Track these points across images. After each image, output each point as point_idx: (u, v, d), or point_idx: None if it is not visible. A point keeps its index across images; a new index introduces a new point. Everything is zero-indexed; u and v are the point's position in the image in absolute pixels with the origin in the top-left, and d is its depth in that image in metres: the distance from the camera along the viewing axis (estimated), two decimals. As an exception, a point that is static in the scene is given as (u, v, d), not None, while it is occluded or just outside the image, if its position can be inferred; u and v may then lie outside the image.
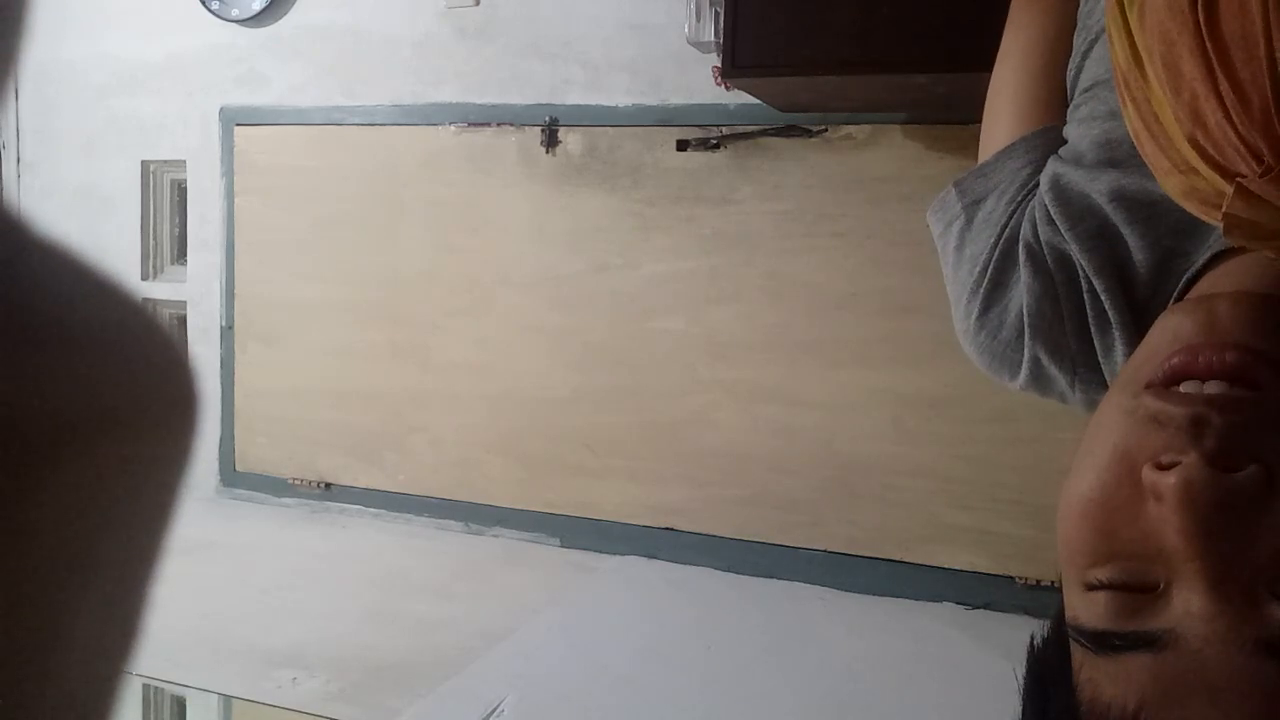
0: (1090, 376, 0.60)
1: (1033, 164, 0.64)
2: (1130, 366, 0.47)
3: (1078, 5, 0.65)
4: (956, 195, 0.67)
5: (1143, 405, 0.43)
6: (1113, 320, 0.57)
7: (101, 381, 0.15)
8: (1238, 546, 0.39)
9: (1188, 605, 0.40)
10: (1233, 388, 0.41)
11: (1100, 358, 0.59)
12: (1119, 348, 0.57)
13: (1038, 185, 0.63)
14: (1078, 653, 0.44)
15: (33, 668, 0.15)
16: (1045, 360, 0.61)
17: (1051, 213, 0.60)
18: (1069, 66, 0.64)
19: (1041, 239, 0.60)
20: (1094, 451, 0.44)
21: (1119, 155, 0.57)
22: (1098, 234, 0.58)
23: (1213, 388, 0.41)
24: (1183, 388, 0.42)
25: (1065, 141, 0.63)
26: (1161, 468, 0.40)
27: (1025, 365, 0.62)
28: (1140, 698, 0.40)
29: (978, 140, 0.71)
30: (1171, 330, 0.45)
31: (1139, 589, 0.41)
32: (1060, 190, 0.60)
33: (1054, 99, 0.66)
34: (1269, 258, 0.48)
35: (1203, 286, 0.52)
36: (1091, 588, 0.43)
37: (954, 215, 0.67)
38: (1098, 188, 0.58)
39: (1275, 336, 0.43)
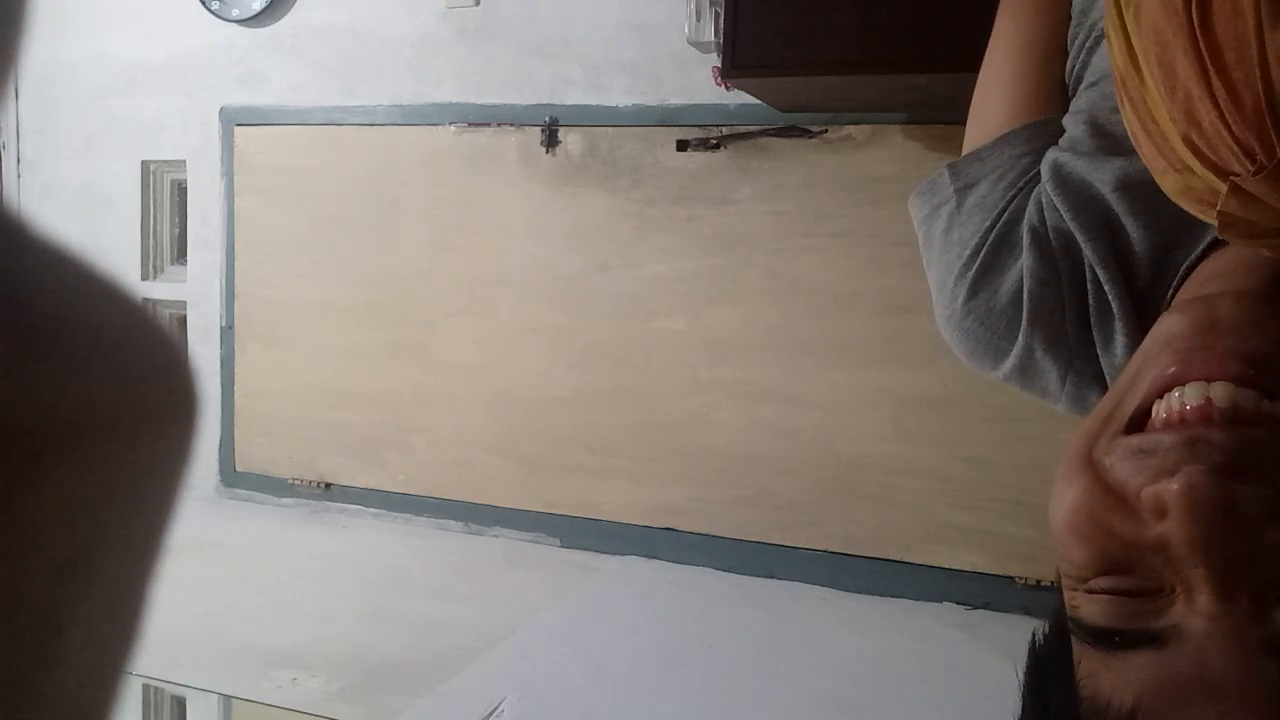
0: (1084, 369, 0.60)
1: (1035, 152, 0.63)
2: (1118, 387, 0.46)
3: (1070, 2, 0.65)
4: (950, 178, 0.66)
5: (1130, 442, 0.42)
6: (1115, 311, 0.57)
7: (101, 381, 0.15)
8: (1245, 553, 0.38)
9: (1193, 604, 0.39)
10: (1238, 390, 0.41)
11: (1099, 349, 0.59)
12: (1119, 339, 0.57)
13: (1039, 174, 0.62)
14: (1078, 647, 0.43)
15: (32, 669, 0.15)
16: (1040, 350, 0.60)
17: (1055, 201, 0.59)
18: (1070, 61, 0.64)
19: (1048, 224, 0.60)
20: (1070, 472, 0.44)
21: (1123, 148, 0.57)
22: (1100, 223, 0.57)
23: (1218, 390, 0.41)
24: (1188, 389, 0.42)
25: (1064, 133, 0.62)
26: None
27: (1015, 354, 0.61)
28: (1141, 695, 0.40)
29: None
30: (1165, 333, 0.45)
31: (1142, 593, 0.41)
32: (1062, 179, 0.59)
33: (1052, 92, 0.66)
34: (1264, 255, 0.48)
35: (1197, 278, 0.52)
36: (1094, 593, 0.42)
37: (944, 199, 0.66)
38: (1101, 176, 0.57)
39: (1276, 336, 0.42)
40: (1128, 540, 0.41)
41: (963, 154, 0.68)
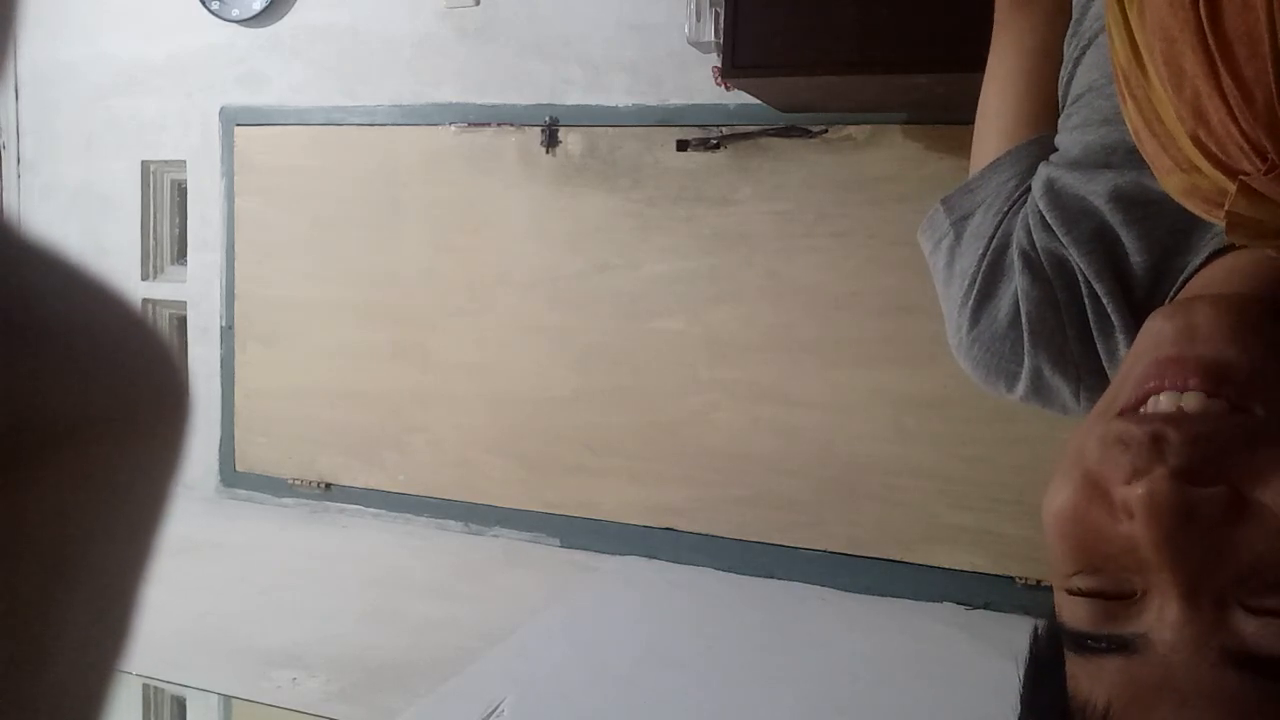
0: (1095, 383, 0.60)
1: (1018, 176, 0.64)
2: (1113, 386, 0.47)
3: (1061, 20, 0.65)
4: (944, 212, 0.67)
5: (1111, 429, 0.43)
6: (1115, 324, 0.57)
7: (95, 381, 0.15)
8: (1209, 556, 0.39)
9: (1161, 612, 0.40)
10: (1208, 399, 0.41)
11: (1105, 362, 0.59)
12: (1123, 351, 0.57)
13: (1025, 196, 0.63)
14: (1065, 650, 0.44)
15: (25, 669, 0.15)
16: (1048, 371, 0.61)
17: (1047, 217, 0.59)
18: (1060, 75, 0.64)
19: (1038, 245, 0.60)
20: (1067, 470, 0.45)
21: (1115, 160, 0.57)
22: (1095, 236, 0.57)
23: (1189, 400, 0.42)
24: (1163, 398, 0.42)
25: (1055, 150, 0.62)
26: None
27: (1025, 376, 0.62)
28: (1111, 699, 0.41)
29: (978, 140, 0.71)
30: (1152, 336, 0.45)
31: (1116, 595, 0.42)
32: (1055, 194, 0.59)
33: (1040, 115, 0.66)
34: (1266, 257, 0.48)
35: (1195, 286, 0.52)
36: (1072, 593, 0.43)
37: (943, 233, 0.67)
38: (1094, 189, 0.57)
39: (1254, 341, 0.42)
40: (1104, 533, 0.42)
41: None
